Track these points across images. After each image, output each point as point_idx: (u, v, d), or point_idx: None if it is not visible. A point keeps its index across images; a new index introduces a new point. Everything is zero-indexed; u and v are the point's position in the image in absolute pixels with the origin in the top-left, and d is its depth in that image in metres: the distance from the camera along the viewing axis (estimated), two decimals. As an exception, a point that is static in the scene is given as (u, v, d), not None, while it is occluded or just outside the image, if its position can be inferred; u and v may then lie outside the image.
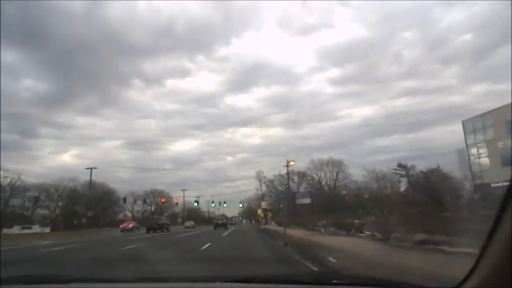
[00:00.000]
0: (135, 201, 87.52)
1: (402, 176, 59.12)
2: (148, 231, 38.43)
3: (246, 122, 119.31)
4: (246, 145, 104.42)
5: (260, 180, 71.98)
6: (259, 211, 65.61)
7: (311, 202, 49.22)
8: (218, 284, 1.76)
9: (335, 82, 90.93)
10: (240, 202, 73.04)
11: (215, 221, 52.49)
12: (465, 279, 1.27)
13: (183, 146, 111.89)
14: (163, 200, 68.28)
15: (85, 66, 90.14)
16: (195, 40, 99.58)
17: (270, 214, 62.29)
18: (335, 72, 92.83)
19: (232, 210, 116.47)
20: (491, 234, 1.15)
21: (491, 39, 55.90)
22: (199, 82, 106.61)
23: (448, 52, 64.44)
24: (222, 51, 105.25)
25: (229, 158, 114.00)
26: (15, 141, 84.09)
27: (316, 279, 1.76)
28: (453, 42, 65.04)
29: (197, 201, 64.09)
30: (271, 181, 69.43)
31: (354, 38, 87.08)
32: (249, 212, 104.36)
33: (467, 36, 63.07)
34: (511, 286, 1.07)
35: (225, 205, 65.10)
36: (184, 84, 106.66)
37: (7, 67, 76.60)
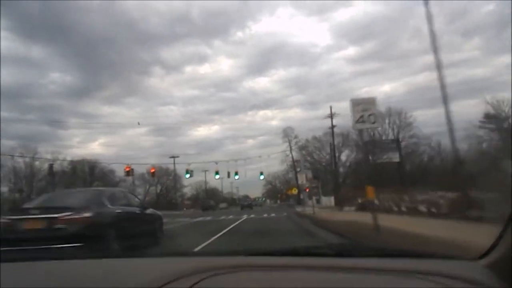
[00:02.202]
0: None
1: (492, 130, 43.66)
2: (203, 210, 44.74)
3: (265, 104, 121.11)
4: (266, 128, 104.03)
5: (289, 140, 57.44)
6: (293, 189, 51.04)
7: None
8: (240, 258, 1.67)
9: (353, 60, 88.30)
10: (262, 174, 55.09)
11: (242, 203, 57.18)
12: (490, 249, 1.24)
13: (205, 131, 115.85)
14: (152, 170, 55.31)
15: (106, 57, 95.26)
16: (211, 25, 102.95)
17: (307, 190, 47.58)
18: (352, 50, 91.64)
19: (252, 188, 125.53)
20: None
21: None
22: (217, 67, 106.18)
23: (469, 24, 62.34)
24: (239, 35, 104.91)
25: (250, 141, 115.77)
26: (45, 132, 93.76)
27: (338, 252, 1.66)
28: (474, 13, 62.77)
29: (189, 173, 48.96)
30: (303, 147, 54.54)
31: (371, 14, 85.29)
32: (273, 191, 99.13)
33: (490, 7, 59.54)
34: None
35: (236, 177, 49.37)
36: (203, 69, 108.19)
37: (35, 62, 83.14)
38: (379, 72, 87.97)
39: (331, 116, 45.67)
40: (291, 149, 57.81)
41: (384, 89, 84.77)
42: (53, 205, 7.64)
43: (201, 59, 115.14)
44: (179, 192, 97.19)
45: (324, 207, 45.06)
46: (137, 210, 9.81)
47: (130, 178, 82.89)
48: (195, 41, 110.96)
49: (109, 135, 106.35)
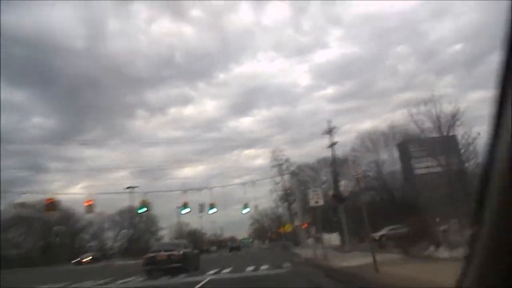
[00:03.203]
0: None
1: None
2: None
3: (250, 144, 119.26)
4: (251, 167, 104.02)
5: (279, 164, 48.03)
6: (287, 225, 40.76)
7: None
8: None
9: (333, 99, 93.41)
10: (246, 206, 40.90)
11: (230, 245, 58.94)
12: (460, 282, 1.27)
13: (190, 171, 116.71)
14: (87, 203, 40.44)
15: (90, 100, 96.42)
16: (195, 68, 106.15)
17: (305, 226, 37.55)
18: (332, 90, 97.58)
19: (237, 228, 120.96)
20: (477, 229, 1.11)
21: (480, 48, 58.80)
22: (201, 108, 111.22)
23: (441, 63, 65.47)
24: (221, 77, 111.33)
25: (236, 181, 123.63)
26: (25, 177, 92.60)
27: None
28: (445, 53, 67.60)
29: (145, 206, 35.94)
30: (295, 174, 44.66)
31: (348, 56, 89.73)
32: (261, 230, 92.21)
33: (458, 46, 68.52)
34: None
35: (212, 210, 37.11)
36: (187, 111, 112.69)
37: (16, 107, 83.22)
38: (359, 109, 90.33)
39: (330, 131, 36.68)
40: (282, 175, 48.42)
41: (365, 126, 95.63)
42: (168, 248, 18.07)
43: (185, 100, 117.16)
44: (154, 235, 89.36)
45: (329, 247, 35.05)
46: (191, 250, 19.84)
47: (97, 219, 73.66)
48: (179, 83, 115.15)
49: (91, 178, 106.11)
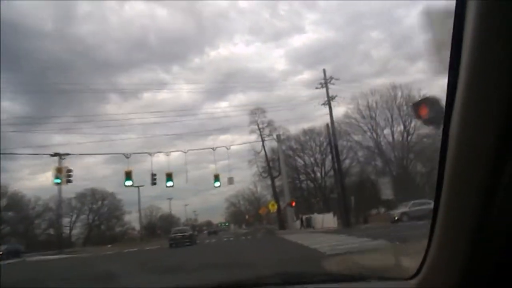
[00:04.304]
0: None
1: None
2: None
3: (225, 129, 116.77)
4: (227, 152, 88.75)
5: (259, 128, 39.35)
6: (271, 203, 32.28)
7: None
8: None
9: (309, 84, 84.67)
10: (217, 179, 30.29)
11: (209, 230, 61.78)
12: (419, 269, 1.30)
13: (165, 157, 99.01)
14: None
15: (60, 84, 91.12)
16: (169, 51, 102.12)
17: (293, 204, 29.25)
18: (308, 75, 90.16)
19: (213, 213, 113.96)
20: (434, 218, 1.13)
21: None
22: (177, 93, 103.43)
23: (413, 49, 55.40)
24: (196, 61, 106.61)
25: (212, 166, 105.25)
26: None
27: (286, 280, 1.76)
28: (417, 39, 53.28)
29: (130, 179, 26.62)
30: (280, 139, 35.66)
31: (323, 40, 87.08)
32: (238, 214, 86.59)
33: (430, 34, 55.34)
34: (457, 275, 1.07)
35: (169, 183, 28.28)
36: (162, 95, 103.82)
37: None
38: (335, 94, 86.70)
39: (326, 82, 28.24)
40: (263, 141, 39.40)
41: (338, 114, 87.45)
42: (181, 231, 29.40)
43: (160, 85, 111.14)
44: (119, 221, 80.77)
45: (324, 229, 27.05)
46: (192, 232, 30.70)
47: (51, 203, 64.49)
48: (153, 67, 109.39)
49: (62, 165, 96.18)
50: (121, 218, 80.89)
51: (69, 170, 25.93)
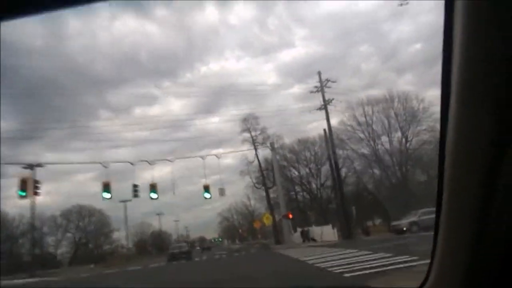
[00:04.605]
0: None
1: None
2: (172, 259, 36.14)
3: (217, 143, 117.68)
4: (220, 167, 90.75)
5: (252, 138, 37.30)
6: (265, 216, 30.03)
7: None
8: None
9: (300, 97, 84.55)
10: (207, 190, 28.40)
11: (202, 246, 62.29)
12: (426, 279, 1.31)
13: (157, 172, 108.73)
14: None
15: (50, 101, 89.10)
16: (160, 67, 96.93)
17: (290, 216, 27.19)
18: (298, 88, 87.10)
19: (205, 229, 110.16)
20: (436, 231, 1.15)
21: (438, 48, 50.60)
22: (168, 108, 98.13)
23: (401, 62, 65.83)
24: (188, 76, 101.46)
25: (204, 181, 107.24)
26: None
27: None
28: (405, 52, 67.76)
29: (108, 191, 23.18)
30: (274, 148, 33.47)
31: (313, 55, 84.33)
32: (231, 228, 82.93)
33: (417, 46, 68.12)
34: (464, 283, 1.09)
35: (153, 195, 25.84)
36: (153, 110, 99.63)
37: None
38: (331, 98, 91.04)
39: (321, 85, 26.60)
40: (255, 149, 37.05)
41: (332, 122, 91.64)
42: (179, 247, 33.93)
43: (151, 100, 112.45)
44: (108, 238, 77.84)
45: (325, 243, 24.94)
46: (189, 248, 35.12)
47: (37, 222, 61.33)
48: (144, 83, 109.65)
49: (54, 182, 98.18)
50: (110, 236, 78.27)
51: (36, 182, 23.21)
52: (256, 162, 38.26)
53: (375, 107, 38.97)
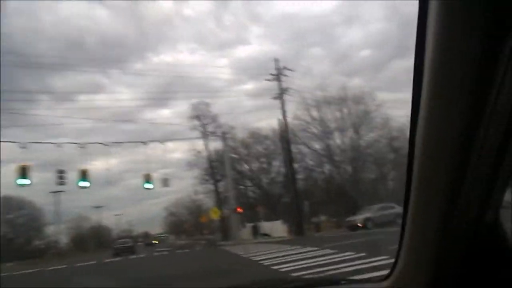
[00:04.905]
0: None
1: None
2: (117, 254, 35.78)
3: (167, 137, 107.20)
4: (168, 160, 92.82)
5: (203, 125, 35.14)
6: (213, 210, 27.93)
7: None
8: None
9: (253, 94, 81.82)
10: (149, 181, 25.66)
11: (116, 245, 42.86)
12: (391, 272, 1.33)
13: (101, 165, 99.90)
14: None
15: None
16: (109, 54, 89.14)
17: (239, 210, 25.46)
18: (251, 85, 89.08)
19: (152, 224, 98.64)
20: (403, 220, 1.18)
21: (385, 55, 67.74)
22: (115, 97, 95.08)
23: (351, 66, 67.74)
24: (138, 66, 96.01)
25: (152, 175, 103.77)
26: None
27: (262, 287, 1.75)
28: (355, 57, 68.95)
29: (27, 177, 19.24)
30: (225, 138, 31.17)
31: (267, 53, 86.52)
32: (178, 223, 78.32)
33: (366, 52, 73.34)
34: (428, 275, 1.13)
35: (83, 182, 21.96)
36: (99, 99, 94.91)
37: None
38: (277, 106, 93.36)
39: (278, 72, 25.18)
40: (206, 137, 34.56)
41: (289, 112, 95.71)
42: (124, 242, 37.06)
43: (97, 88, 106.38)
44: (40, 233, 72.19)
45: (274, 239, 23.54)
46: (132, 243, 37.43)
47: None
48: (91, 69, 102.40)
49: None
50: (41, 230, 72.44)
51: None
52: (206, 153, 36.19)
53: (329, 104, 38.87)
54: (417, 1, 0.91)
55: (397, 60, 55.75)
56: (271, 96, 27.47)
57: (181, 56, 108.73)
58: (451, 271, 1.07)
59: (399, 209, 25.02)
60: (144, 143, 26.22)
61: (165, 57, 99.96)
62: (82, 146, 23.54)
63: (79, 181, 21.35)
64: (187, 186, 52.94)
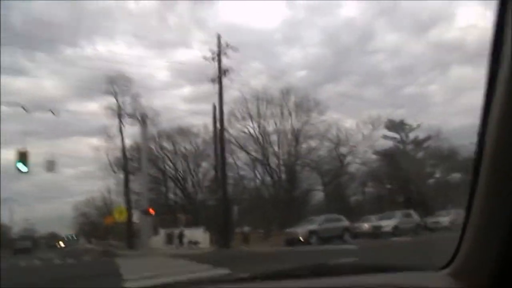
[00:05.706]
0: None
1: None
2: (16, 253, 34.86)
3: (92, 132, 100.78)
4: (90, 158, 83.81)
5: (117, 100, 29.38)
6: (118, 210, 22.37)
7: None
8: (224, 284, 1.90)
9: (188, 99, 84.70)
10: (22, 161, 15.48)
11: (17, 246, 39.40)
12: (452, 259, 1.31)
13: (12, 155, 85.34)
14: None
15: None
16: (36, 35, 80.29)
17: (151, 212, 20.12)
18: (188, 90, 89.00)
19: (64, 225, 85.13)
20: (469, 207, 1.16)
21: (319, 78, 71.37)
22: (37, 83, 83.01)
23: (287, 84, 63.16)
24: (68, 53, 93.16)
25: (70, 171, 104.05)
26: None
27: (315, 272, 1.78)
28: (292, 76, 71.29)
29: None
30: (144, 120, 25.06)
31: (207, 60, 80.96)
32: (89, 224, 68.94)
33: (303, 72, 73.34)
34: (493, 263, 1.09)
35: (23, 167, 15.21)
36: (18, 83, 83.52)
37: None
38: (208, 113, 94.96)
39: (219, 50, 20.90)
40: (120, 118, 29.01)
41: (225, 110, 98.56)
42: (23, 242, 43.91)
43: (18, 71, 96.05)
44: None
45: (193, 251, 18.71)
46: (32, 244, 46.80)
47: None
48: (12, 49, 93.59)
49: None
50: None
51: None
52: (119, 139, 29.30)
53: (269, 103, 35.98)
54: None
55: (330, 84, 63.63)
56: (208, 80, 22.77)
57: (118, 49, 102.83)
58: None
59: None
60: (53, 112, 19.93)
61: (100, 48, 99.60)
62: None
63: (18, 162, 14.86)
64: (104, 184, 45.04)
